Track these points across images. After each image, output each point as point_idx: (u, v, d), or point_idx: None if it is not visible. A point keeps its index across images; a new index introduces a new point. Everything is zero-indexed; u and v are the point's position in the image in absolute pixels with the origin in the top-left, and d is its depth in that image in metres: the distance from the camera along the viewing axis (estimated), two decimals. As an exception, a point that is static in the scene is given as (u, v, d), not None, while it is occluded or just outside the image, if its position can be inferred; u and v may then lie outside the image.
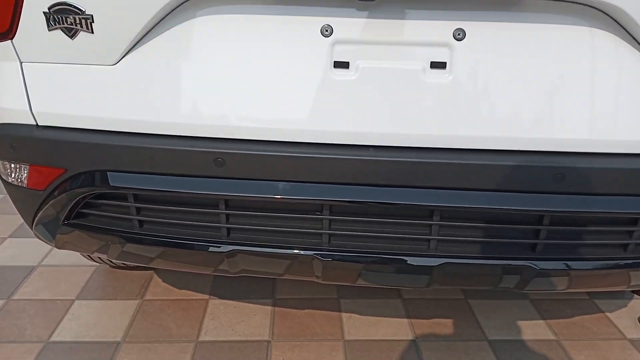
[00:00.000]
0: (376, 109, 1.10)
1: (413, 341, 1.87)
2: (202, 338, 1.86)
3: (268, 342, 1.85)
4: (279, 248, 1.21)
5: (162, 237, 1.26)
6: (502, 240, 1.18)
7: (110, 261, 2.10)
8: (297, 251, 1.20)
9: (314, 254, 1.20)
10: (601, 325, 1.98)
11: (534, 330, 1.95)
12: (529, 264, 1.17)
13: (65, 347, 1.80)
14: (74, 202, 1.26)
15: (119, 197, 1.26)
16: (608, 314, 2.05)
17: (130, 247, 1.29)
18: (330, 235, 1.21)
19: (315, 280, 1.30)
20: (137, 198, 1.25)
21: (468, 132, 1.11)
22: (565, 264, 1.18)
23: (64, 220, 1.32)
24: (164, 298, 2.09)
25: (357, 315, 2.00)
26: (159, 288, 2.15)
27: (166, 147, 1.14)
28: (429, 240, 1.20)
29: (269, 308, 2.03)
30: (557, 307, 2.09)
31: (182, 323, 1.94)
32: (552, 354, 1.83)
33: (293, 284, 2.18)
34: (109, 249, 1.34)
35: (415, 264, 1.19)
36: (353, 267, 1.21)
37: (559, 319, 2.02)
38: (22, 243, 2.49)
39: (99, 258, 2.07)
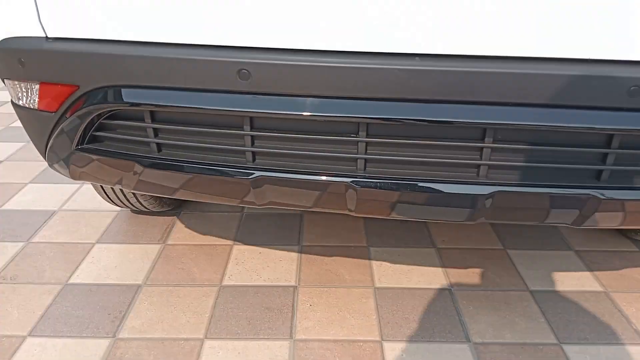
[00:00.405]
0: (423, 11, 0.96)
1: (448, 290, 1.75)
2: (226, 282, 1.78)
3: (295, 287, 1.75)
4: (309, 175, 1.09)
5: (182, 162, 1.15)
6: (563, 165, 1.04)
7: (132, 204, 2.02)
8: (329, 179, 1.08)
9: (349, 181, 1.07)
10: (653, 278, 1.83)
11: (579, 281, 1.81)
12: (594, 193, 1.02)
13: (84, 289, 1.73)
14: (87, 122, 1.15)
15: (135, 116, 1.15)
16: (660, 267, 1.90)
17: (147, 175, 1.19)
18: (366, 160, 1.08)
19: (348, 213, 1.18)
20: (154, 118, 1.14)
21: (529, 37, 0.95)
22: (636, 193, 1.03)
23: (77, 145, 1.22)
24: (187, 243, 2.01)
25: (388, 264, 1.89)
26: (181, 233, 2.07)
27: (185, 57, 1.02)
28: (478, 166, 1.06)
29: (295, 255, 1.93)
30: (604, 258, 1.94)
31: (205, 268, 1.85)
32: (600, 305, 1.69)
33: (320, 231, 2.08)
34: (125, 178, 1.24)
35: (462, 192, 1.05)
36: (391, 196, 1.09)
37: (607, 271, 1.87)
38: (43, 189, 2.43)
39: (120, 201, 1.99)
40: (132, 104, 1.08)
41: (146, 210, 2.14)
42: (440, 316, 1.63)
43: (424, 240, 2.04)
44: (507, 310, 1.67)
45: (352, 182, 1.07)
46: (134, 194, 1.93)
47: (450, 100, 0.98)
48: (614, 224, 1.11)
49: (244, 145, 1.12)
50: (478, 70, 0.95)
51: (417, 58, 0.97)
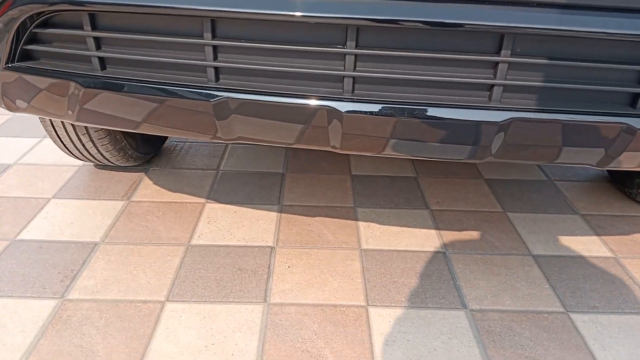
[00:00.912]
0: None
1: (443, 253, 1.58)
2: (194, 242, 1.58)
3: (272, 248, 1.57)
4: (284, 97, 0.89)
5: (129, 81, 0.94)
6: (593, 86, 0.85)
7: (94, 157, 1.81)
8: (309, 102, 0.88)
9: (334, 106, 0.87)
10: (667, 244, 1.67)
11: (586, 246, 1.64)
12: (628, 122, 0.83)
13: (34, 246, 1.53)
14: (15, 30, 0.94)
15: (73, 23, 0.94)
16: (674, 233, 1.73)
17: (90, 99, 0.98)
18: (354, 79, 0.88)
19: (332, 149, 0.99)
20: (95, 24, 0.93)
21: None
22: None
23: (6, 63, 1.00)
24: (154, 200, 1.80)
25: (377, 225, 1.71)
26: (149, 190, 1.87)
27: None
28: (491, 86, 0.87)
29: (275, 214, 1.74)
30: (612, 222, 1.77)
31: (172, 226, 1.66)
32: (610, 272, 1.52)
33: (304, 190, 1.88)
34: (65, 105, 1.03)
35: (471, 119, 0.86)
36: (384, 125, 0.89)
37: (616, 236, 1.71)
38: None
39: (80, 153, 1.78)
40: (68, 3, 0.87)
41: (110, 164, 1.93)
42: (433, 280, 1.45)
43: (416, 201, 1.85)
44: (507, 274, 1.49)
45: (337, 106, 0.87)
46: (94, 143, 1.72)
47: (458, -1, 0.78)
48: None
49: (204, 59, 0.91)
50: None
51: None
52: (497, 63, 0.84)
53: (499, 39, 0.83)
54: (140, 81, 0.94)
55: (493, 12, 0.78)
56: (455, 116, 0.86)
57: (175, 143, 2.26)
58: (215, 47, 0.89)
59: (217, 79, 0.92)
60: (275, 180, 1.97)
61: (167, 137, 2.19)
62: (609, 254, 1.61)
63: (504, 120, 0.85)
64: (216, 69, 0.91)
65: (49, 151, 2.13)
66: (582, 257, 1.59)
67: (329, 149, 0.98)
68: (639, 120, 0.85)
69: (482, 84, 0.87)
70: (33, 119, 2.46)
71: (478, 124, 0.86)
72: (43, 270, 1.43)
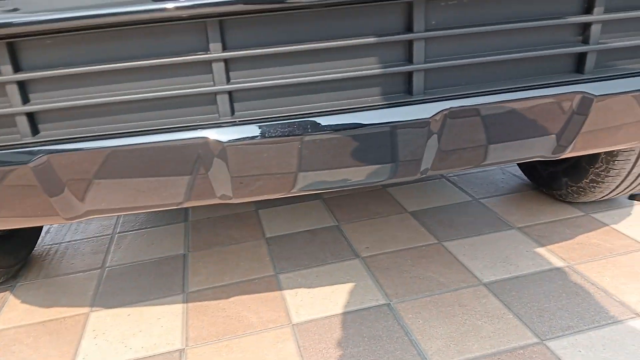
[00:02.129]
0: None
1: (387, 305, 1.33)
2: (78, 366, 1.21)
3: (181, 350, 1.23)
4: (134, 136, 0.62)
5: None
6: (533, 52, 0.66)
7: None
8: (174, 137, 0.62)
9: (208, 135, 0.62)
10: (613, 240, 1.55)
11: (536, 260, 1.47)
12: (581, 89, 0.66)
13: None
14: None
15: None
16: (614, 226, 1.63)
17: None
18: (230, 94, 0.64)
19: (221, 200, 0.72)
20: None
21: None
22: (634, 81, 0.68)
23: None
24: (23, 324, 1.41)
25: (306, 290, 1.43)
26: (15, 312, 1.47)
27: None
28: (409, 75, 0.66)
29: (180, 306, 1.42)
30: (552, 229, 1.64)
31: (48, 353, 1.28)
32: (569, 282, 1.35)
33: (212, 269, 1.58)
34: None
35: (393, 120, 0.64)
36: (283, 150, 0.65)
37: (561, 242, 1.56)
38: None
39: None
40: None
41: (-41, 291, 1.51)
42: (384, 342, 1.19)
43: (343, 252, 1.61)
44: (464, 313, 1.27)
45: (215, 135, 0.62)
46: None
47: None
48: (608, 143, 0.76)
49: (8, 105, 0.62)
50: None
51: None
52: (410, 43, 0.64)
53: (407, 11, 0.63)
54: None
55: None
56: (373, 120, 0.64)
57: (48, 247, 1.87)
58: (21, 84, 0.61)
59: (34, 131, 0.64)
60: (175, 264, 1.64)
61: (35, 242, 1.80)
62: (561, 264, 1.45)
63: (435, 114, 0.64)
64: (29, 115, 0.63)
65: None
66: (535, 274, 1.42)
67: (217, 200, 0.71)
68: (591, 85, 0.67)
69: (397, 74, 0.66)
70: None
71: (402, 125, 0.65)
72: None
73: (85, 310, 1.45)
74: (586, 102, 0.68)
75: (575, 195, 1.70)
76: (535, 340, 1.16)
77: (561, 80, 0.67)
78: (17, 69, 0.62)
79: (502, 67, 0.69)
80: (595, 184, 1.58)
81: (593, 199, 1.69)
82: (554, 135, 0.71)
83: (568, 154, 0.77)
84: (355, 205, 1.95)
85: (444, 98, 0.65)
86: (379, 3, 0.61)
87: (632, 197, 1.79)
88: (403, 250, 1.59)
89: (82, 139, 0.62)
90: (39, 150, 0.61)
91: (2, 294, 1.58)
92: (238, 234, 1.81)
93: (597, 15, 0.66)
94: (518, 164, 1.93)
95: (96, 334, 1.34)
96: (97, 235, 1.92)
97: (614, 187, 1.57)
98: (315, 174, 0.70)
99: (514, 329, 1.21)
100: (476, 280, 1.41)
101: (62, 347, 1.29)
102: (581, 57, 0.69)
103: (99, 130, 0.63)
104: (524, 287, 1.36)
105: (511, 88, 0.66)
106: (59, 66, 0.62)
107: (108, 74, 0.62)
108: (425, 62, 0.65)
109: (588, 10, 0.67)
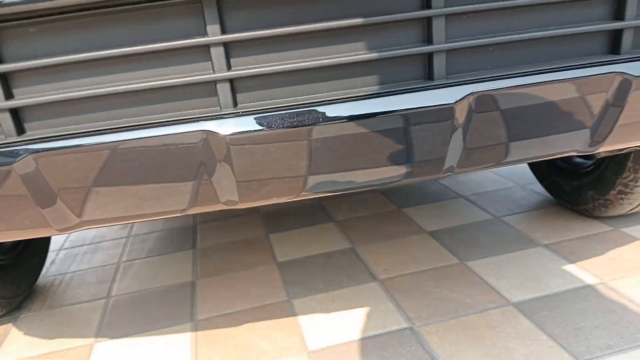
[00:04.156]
0: None
1: (409, 329, 1.24)
2: (79, 401, 1.13)
3: (190, 381, 1.15)
4: (126, 131, 0.56)
5: None
6: (563, 31, 0.60)
7: None
8: (172, 130, 0.56)
9: (209, 130, 0.56)
10: (647, 254, 1.45)
11: (565, 278, 1.38)
12: (618, 70, 0.59)
13: None
14: None
15: None
16: (647, 240, 1.53)
17: None
18: (231, 82, 0.58)
19: (227, 207, 0.65)
20: None
21: None
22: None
23: None
24: (25, 356, 1.34)
25: (321, 315, 1.35)
26: (17, 344, 1.40)
27: None
28: (429, 56, 0.60)
29: (189, 335, 1.33)
30: (581, 245, 1.54)
31: (48, 386, 1.19)
32: (604, 300, 1.26)
33: (222, 295, 1.50)
34: None
35: (413, 106, 0.58)
36: (294, 144, 0.58)
37: (591, 258, 1.47)
38: None
39: None
40: None
41: (-41, 324, 1.44)
42: (409, 367, 1.10)
43: (360, 275, 1.53)
44: (493, 335, 1.18)
45: (215, 128, 0.56)
46: None
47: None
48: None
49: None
50: None
51: None
52: (429, 20, 0.58)
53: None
54: None
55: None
56: (391, 107, 0.57)
57: (53, 277, 1.80)
58: (3, 76, 0.56)
59: (18, 130, 0.58)
60: (184, 292, 1.57)
61: (39, 272, 1.74)
62: (594, 280, 1.35)
63: (460, 100, 0.58)
64: (13, 111, 0.57)
65: None
66: (567, 292, 1.32)
67: (222, 206, 0.64)
68: (631, 65, 0.61)
69: (417, 55, 0.60)
70: None
71: (423, 113, 0.58)
72: None
73: (90, 341, 1.37)
74: (625, 84, 0.61)
75: (603, 209, 1.61)
76: (575, 362, 1.07)
77: (597, 61, 0.60)
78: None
79: (531, 48, 0.62)
80: (623, 196, 1.49)
81: (622, 212, 1.60)
82: (590, 124, 0.64)
83: (607, 146, 0.70)
84: (370, 226, 1.87)
85: (468, 82, 0.59)
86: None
87: (663, 210, 1.69)
88: (424, 271, 1.51)
89: (71, 135, 0.56)
90: (24, 149, 0.55)
91: (5, 325, 1.51)
92: (249, 259, 1.73)
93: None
94: (539, 180, 1.85)
95: (100, 366, 1.26)
96: (103, 264, 1.86)
97: (644, 198, 1.49)
98: (328, 168, 0.63)
99: (549, 350, 1.11)
100: (504, 301, 1.31)
101: (64, 380, 1.21)
102: (617, 35, 0.63)
103: (90, 127, 0.58)
104: (556, 306, 1.27)
105: (542, 69, 0.60)
106: (45, 56, 0.56)
107: (97, 63, 0.57)
108: (447, 42, 0.59)
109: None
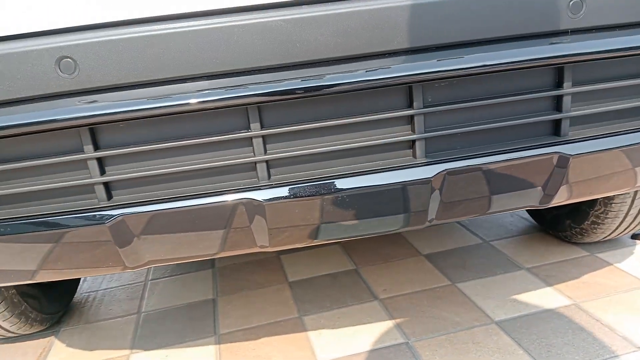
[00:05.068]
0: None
1: (405, 344, 1.43)
2: (123, 404, 1.33)
3: (216, 387, 1.34)
4: (191, 199, 0.77)
5: (11, 220, 0.78)
6: (514, 121, 0.81)
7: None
8: (223, 198, 0.77)
9: (250, 196, 0.77)
10: (616, 278, 1.65)
11: (543, 299, 1.57)
12: (558, 150, 0.80)
13: None
14: None
15: None
16: (618, 265, 1.73)
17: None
18: (268, 162, 0.79)
19: (260, 249, 0.86)
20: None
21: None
22: (607, 141, 0.82)
23: None
24: (68, 366, 1.53)
25: (328, 330, 1.54)
26: (61, 355, 1.60)
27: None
28: (412, 142, 0.81)
29: (213, 347, 1.53)
30: (559, 269, 1.74)
31: (94, 391, 1.39)
32: (575, 320, 1.45)
33: (240, 313, 1.70)
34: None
35: (400, 180, 0.78)
36: (310, 207, 0.79)
37: (567, 282, 1.66)
38: None
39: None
40: None
41: (12, 335, 1.64)
42: (404, 377, 1.29)
43: (363, 294, 1.72)
44: (477, 350, 1.37)
45: (255, 196, 0.76)
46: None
47: (359, 56, 0.74)
48: (590, 192, 0.89)
49: (89, 176, 0.78)
50: (388, 6, 0.72)
51: (304, 6, 0.72)
52: (412, 117, 0.79)
53: (407, 91, 0.78)
54: (22, 218, 0.78)
55: (393, 64, 0.74)
56: (384, 181, 0.78)
57: (87, 294, 2.01)
58: (100, 160, 0.77)
59: (108, 196, 0.79)
60: (206, 308, 1.77)
61: (76, 290, 1.94)
62: (567, 302, 1.55)
63: (435, 175, 0.78)
64: (105, 184, 0.78)
65: None
66: (543, 311, 1.51)
67: (258, 249, 0.85)
68: (567, 146, 0.81)
69: (402, 142, 0.80)
70: None
71: (409, 184, 0.79)
72: None
73: (126, 352, 1.57)
74: (563, 160, 0.81)
75: (579, 237, 1.81)
76: (544, 373, 1.26)
77: (538, 143, 0.81)
78: (96, 147, 0.78)
79: (491, 134, 0.83)
80: (596, 226, 1.69)
81: (596, 240, 1.80)
82: (539, 188, 0.85)
83: (554, 203, 0.90)
84: (372, 248, 2.07)
85: (442, 161, 0.80)
86: (386, 88, 0.76)
87: (634, 236, 1.89)
88: (419, 292, 1.70)
89: (149, 202, 0.77)
90: (113, 212, 0.76)
91: (48, 338, 1.70)
92: (262, 278, 1.93)
93: (567, 88, 0.81)
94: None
95: (137, 374, 1.45)
96: (131, 282, 2.06)
97: (613, 228, 1.68)
98: (337, 226, 0.83)
99: (524, 363, 1.30)
100: (488, 319, 1.51)
101: (107, 386, 1.41)
102: (557, 123, 0.84)
103: (161, 194, 0.78)
104: (532, 324, 1.46)
105: (499, 151, 0.80)
106: (130, 144, 0.78)
107: (169, 150, 0.78)
108: (425, 132, 0.80)
109: (559, 84, 0.82)
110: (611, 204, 1.59)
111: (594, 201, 1.67)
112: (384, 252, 2.02)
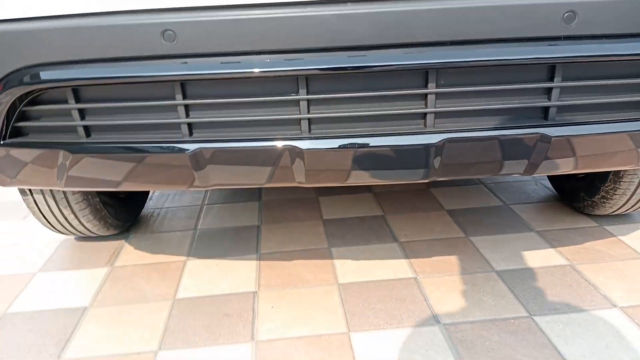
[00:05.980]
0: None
1: (414, 279, 1.69)
2: (180, 296, 1.66)
3: (254, 292, 1.66)
4: (252, 142, 1.03)
5: (113, 144, 1.07)
6: (509, 105, 1.01)
7: (75, 228, 1.90)
8: (274, 144, 1.02)
9: (294, 144, 1.02)
10: (616, 248, 1.83)
11: (544, 258, 1.78)
12: (542, 132, 1.00)
13: (25, 317, 1.59)
14: (6, 111, 1.07)
15: (58, 99, 1.07)
16: (621, 237, 1.90)
17: (77, 164, 1.10)
18: (309, 120, 1.04)
19: (298, 185, 1.12)
20: (78, 97, 1.07)
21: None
22: (585, 128, 1.01)
23: (0, 140, 1.12)
24: (137, 263, 1.89)
25: (352, 261, 1.82)
26: (131, 255, 1.95)
27: (101, 24, 0.96)
28: (424, 114, 1.03)
29: (254, 262, 1.84)
30: (566, 235, 1.93)
31: (157, 284, 1.74)
32: (567, 278, 1.66)
33: (279, 239, 2.00)
34: (55, 173, 1.15)
35: (411, 143, 1.01)
36: (340, 157, 1.04)
37: (570, 246, 1.86)
38: (-20, 227, 2.27)
39: (62, 225, 1.87)
40: (51, 82, 1.01)
41: (92, 234, 2.01)
42: (407, 303, 1.56)
43: (385, 237, 1.98)
44: (474, 291, 1.62)
45: (298, 144, 1.02)
46: (75, 215, 1.82)
47: (388, 45, 0.95)
48: (566, 168, 1.09)
49: (178, 118, 1.05)
50: (414, 9, 0.93)
51: (349, 3, 0.94)
52: (426, 95, 1.01)
53: (424, 75, 1.00)
54: (123, 143, 1.07)
55: (415, 54, 0.95)
56: (399, 142, 1.01)
57: (152, 210, 2.36)
58: (187, 106, 1.04)
59: (190, 133, 1.06)
60: (251, 233, 2.08)
61: (144, 204, 2.29)
62: (565, 262, 1.75)
63: (439, 142, 1.01)
64: (189, 124, 1.05)
65: (28, 230, 2.20)
66: (541, 268, 1.73)
67: (296, 184, 1.11)
68: (551, 129, 1.01)
69: (417, 114, 1.03)
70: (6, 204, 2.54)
71: (418, 147, 1.02)
72: (37, 337, 1.49)
73: (183, 258, 1.90)
74: (545, 139, 1.01)
75: (591, 209, 1.98)
76: (525, 314, 1.49)
77: (527, 124, 1.01)
78: (184, 97, 1.05)
79: (490, 114, 1.04)
80: (605, 200, 1.86)
81: (605, 213, 1.97)
82: (525, 160, 1.05)
83: (537, 174, 1.10)
84: (401, 200, 2.31)
85: (445, 131, 1.01)
86: (407, 71, 0.97)
87: (645, 215, 2.04)
88: (436, 240, 1.94)
89: (221, 141, 1.04)
90: (193, 146, 1.03)
91: (119, 241, 2.07)
92: (301, 213, 2.22)
93: (556, 82, 1.00)
94: (548, 177, 2.22)
95: (192, 275, 1.79)
96: (190, 205, 2.40)
97: (622, 203, 1.85)
98: (361, 173, 1.07)
99: (511, 306, 1.54)
100: (490, 268, 1.74)
101: (168, 282, 1.75)
102: (546, 110, 1.03)
103: (229, 136, 1.05)
104: (528, 276, 1.68)
105: (492, 127, 1.01)
106: (209, 97, 1.04)
107: (238, 104, 1.03)
108: (435, 107, 1.01)
109: (550, 78, 1.01)
110: (620, 181, 1.76)
111: (605, 177, 1.83)
112: (412, 204, 2.26)
